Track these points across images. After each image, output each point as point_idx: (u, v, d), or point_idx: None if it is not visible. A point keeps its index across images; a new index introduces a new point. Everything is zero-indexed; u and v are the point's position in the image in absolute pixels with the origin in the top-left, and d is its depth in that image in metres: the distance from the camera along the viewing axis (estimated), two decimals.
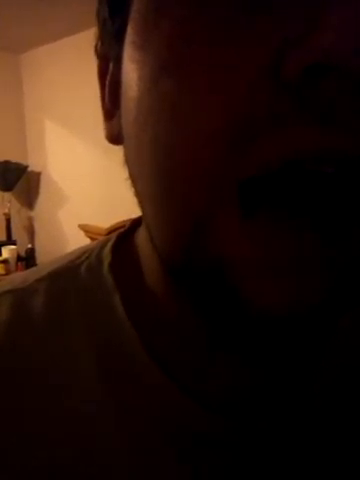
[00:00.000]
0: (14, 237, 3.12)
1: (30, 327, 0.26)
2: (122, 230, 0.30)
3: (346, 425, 0.26)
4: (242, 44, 0.16)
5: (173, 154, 0.18)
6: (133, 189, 0.23)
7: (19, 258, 2.92)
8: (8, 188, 3.07)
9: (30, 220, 3.34)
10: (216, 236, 0.18)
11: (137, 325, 0.25)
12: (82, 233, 2.36)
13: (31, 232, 3.34)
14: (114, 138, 0.25)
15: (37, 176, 3.26)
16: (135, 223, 0.30)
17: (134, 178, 0.22)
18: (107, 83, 0.25)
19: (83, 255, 0.29)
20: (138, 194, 0.22)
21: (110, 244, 0.29)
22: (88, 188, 2.85)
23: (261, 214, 0.17)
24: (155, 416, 0.24)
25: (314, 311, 0.18)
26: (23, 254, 3.04)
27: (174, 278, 0.23)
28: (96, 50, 0.25)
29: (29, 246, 3.13)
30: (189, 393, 0.24)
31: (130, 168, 0.23)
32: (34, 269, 0.32)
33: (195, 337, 0.25)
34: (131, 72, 0.20)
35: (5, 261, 2.76)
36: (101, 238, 0.31)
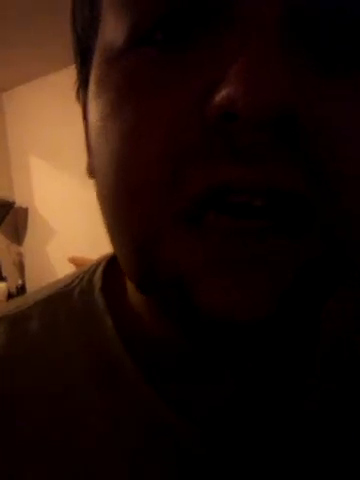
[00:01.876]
0: (4, 274, 3.08)
1: (25, 351, 0.27)
2: (112, 253, 0.31)
3: (336, 441, 0.26)
4: (175, 86, 0.18)
5: (117, 186, 0.20)
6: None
7: (10, 295, 2.88)
8: None
9: (20, 256, 3.32)
10: (165, 250, 0.19)
11: (128, 346, 0.26)
12: (72, 266, 2.35)
13: (21, 268, 3.31)
14: (90, 173, 0.27)
15: (24, 212, 3.26)
16: None
17: (102, 210, 0.24)
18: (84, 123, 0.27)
19: (75, 280, 0.30)
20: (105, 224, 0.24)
21: (101, 268, 0.30)
22: (75, 221, 2.85)
23: (205, 223, 0.18)
24: (146, 432, 0.25)
25: (267, 314, 0.18)
26: (14, 291, 3.00)
27: (143, 294, 0.24)
28: (77, 95, 0.28)
29: (19, 282, 3.10)
30: (176, 408, 0.25)
31: (98, 200, 0.24)
32: (28, 295, 0.33)
33: (177, 352, 0.26)
34: (90, 114, 0.23)
35: None
36: (92, 262, 0.32)
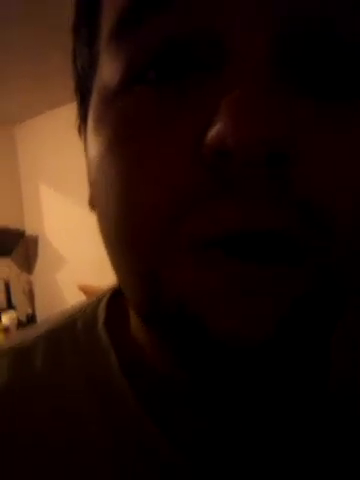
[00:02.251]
0: (14, 302, 3.09)
1: (29, 386, 0.27)
2: (116, 285, 0.31)
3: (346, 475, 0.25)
4: (169, 128, 0.18)
5: (118, 221, 0.20)
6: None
7: (20, 323, 2.88)
8: (6, 254, 3.09)
9: (29, 284, 3.33)
10: (172, 280, 0.19)
11: (131, 380, 0.26)
12: (82, 294, 2.35)
13: (31, 296, 3.32)
14: (91, 204, 0.28)
15: (35, 240, 3.29)
16: None
17: (104, 243, 0.24)
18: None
19: (80, 312, 0.30)
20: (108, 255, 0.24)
21: (105, 300, 0.30)
22: (85, 249, 2.86)
23: (210, 253, 0.18)
24: (149, 471, 0.24)
25: (271, 337, 0.19)
26: (24, 319, 2.99)
27: (147, 324, 0.24)
28: (78, 129, 0.28)
29: (29, 311, 3.10)
30: (179, 445, 0.24)
31: (100, 232, 0.25)
32: (33, 327, 0.33)
33: (178, 385, 0.25)
34: (89, 151, 0.23)
35: (6, 329, 2.72)
36: (98, 294, 0.32)
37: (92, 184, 0.24)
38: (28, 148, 3.30)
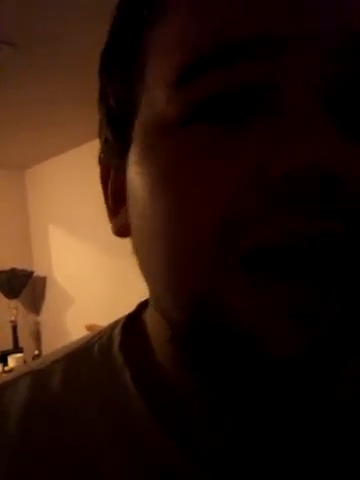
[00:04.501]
0: (21, 344, 3.06)
1: (47, 407, 0.28)
2: (131, 312, 0.33)
3: None
4: (230, 156, 0.21)
5: (178, 244, 0.22)
6: (142, 273, 0.26)
7: None
8: (14, 295, 3.09)
9: (37, 325, 3.31)
10: (225, 300, 0.21)
11: (148, 399, 0.26)
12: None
13: (38, 338, 3.29)
14: (121, 231, 0.28)
15: (43, 281, 3.30)
16: (142, 304, 0.33)
17: (144, 264, 0.26)
18: (109, 187, 0.29)
19: (96, 336, 0.32)
20: (148, 277, 0.25)
21: (120, 325, 0.31)
22: (93, 288, 2.87)
23: (263, 273, 0.20)
24: None
25: (322, 353, 0.20)
26: (30, 362, 2.95)
27: (186, 345, 0.25)
28: (100, 160, 0.30)
29: (36, 353, 3.06)
30: (201, 462, 0.25)
31: (139, 255, 0.26)
32: (51, 352, 0.34)
33: (204, 405, 0.26)
34: (137, 180, 0.25)
35: (12, 371, 2.68)
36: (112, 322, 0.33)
37: (133, 209, 0.25)
38: (37, 191, 3.38)
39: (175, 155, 0.22)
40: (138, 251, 0.26)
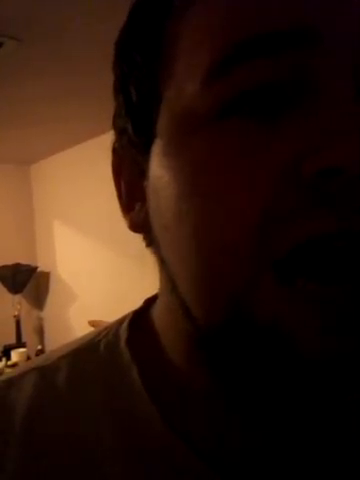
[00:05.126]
0: (24, 339, 3.08)
1: (53, 402, 0.28)
2: (138, 308, 0.32)
3: None
4: (266, 152, 0.20)
5: (213, 243, 0.22)
6: (163, 271, 0.26)
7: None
8: (18, 290, 3.10)
9: (40, 321, 3.33)
10: (261, 302, 0.21)
11: (155, 396, 0.26)
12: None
13: (41, 333, 3.30)
14: (138, 226, 0.27)
15: (46, 276, 3.31)
16: (149, 301, 0.32)
17: (167, 262, 0.25)
18: (124, 182, 0.28)
19: (102, 332, 0.31)
20: (172, 275, 0.25)
21: (127, 321, 0.31)
22: (96, 284, 2.87)
23: (298, 280, 0.20)
24: None
25: (356, 358, 0.20)
26: (33, 357, 2.97)
27: (210, 345, 0.24)
28: (114, 151, 0.29)
29: (39, 347, 3.07)
30: (208, 461, 0.25)
31: (163, 253, 0.25)
32: (57, 348, 0.34)
33: (215, 404, 0.26)
34: (166, 176, 0.24)
35: (15, 365, 2.69)
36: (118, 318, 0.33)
37: (157, 205, 0.25)
38: (42, 186, 3.38)
39: (208, 151, 0.22)
40: (161, 249, 0.25)
